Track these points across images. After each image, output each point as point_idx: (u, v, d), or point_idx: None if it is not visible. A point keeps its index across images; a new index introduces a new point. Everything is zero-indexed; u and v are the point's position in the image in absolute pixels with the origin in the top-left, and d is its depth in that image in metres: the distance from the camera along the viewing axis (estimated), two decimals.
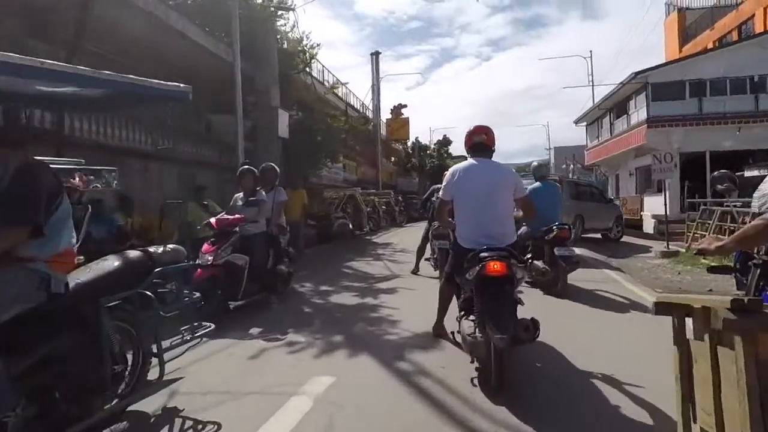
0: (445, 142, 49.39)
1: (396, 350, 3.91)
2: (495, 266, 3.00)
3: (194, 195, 8.81)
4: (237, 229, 5.11)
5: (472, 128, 3.75)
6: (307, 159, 14.87)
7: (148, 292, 2.54)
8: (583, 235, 12.18)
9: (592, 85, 28.14)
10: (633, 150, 20.91)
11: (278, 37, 14.81)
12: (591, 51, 28.89)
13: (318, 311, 5.33)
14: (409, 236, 16.28)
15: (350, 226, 14.45)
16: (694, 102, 17.88)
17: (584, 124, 30.03)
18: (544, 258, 6.22)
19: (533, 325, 3.02)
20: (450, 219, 3.87)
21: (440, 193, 3.80)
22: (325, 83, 19.23)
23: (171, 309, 2.85)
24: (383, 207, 21.23)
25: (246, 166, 5.65)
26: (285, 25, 15.32)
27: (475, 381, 3.17)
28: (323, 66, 22.04)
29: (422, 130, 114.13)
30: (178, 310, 2.91)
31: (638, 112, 20.86)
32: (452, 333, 3.98)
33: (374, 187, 26.92)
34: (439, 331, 4.15)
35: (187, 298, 2.94)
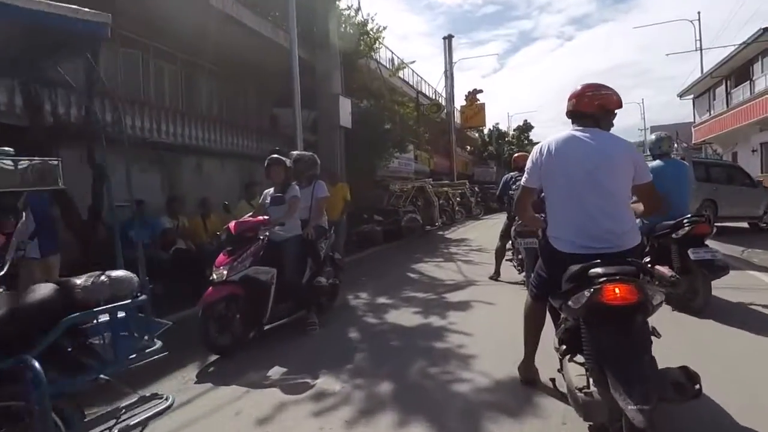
0: (526, 127, 46.42)
1: (466, 413, 2.67)
2: (617, 290, 1.92)
3: (244, 192, 8.13)
4: (267, 233, 4.11)
5: (578, 88, 2.57)
6: (372, 149, 13.85)
7: (34, 362, 1.53)
8: (715, 224, 10.08)
9: (701, 49, 24.21)
10: (757, 123, 17.65)
11: (341, 21, 13.91)
12: (699, 12, 24.83)
13: (367, 338, 4.17)
14: (486, 230, 14.72)
15: (420, 220, 13.20)
16: None
17: (690, 97, 26.20)
18: (671, 263, 4.58)
19: (689, 378, 1.94)
20: (537, 214, 2.75)
21: (523, 178, 2.62)
22: (392, 69, 18.05)
23: (109, 371, 1.85)
24: (458, 199, 19.72)
25: (273, 155, 4.54)
26: (349, 8, 14.43)
27: None
28: (392, 53, 20.95)
29: (501, 118, 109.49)
30: (113, 374, 1.91)
31: (766, 75, 17.48)
32: (552, 380, 2.65)
33: (449, 178, 25.49)
34: (528, 375, 2.95)
35: (133, 355, 1.91)
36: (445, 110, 28.63)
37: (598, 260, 2.07)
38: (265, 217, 4.20)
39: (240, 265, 3.80)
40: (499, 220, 7.94)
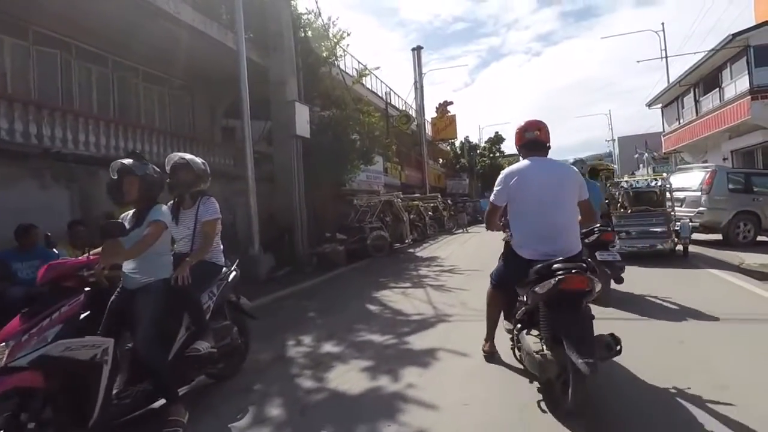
0: (497, 139, 46.19)
1: None
2: (575, 280, 2.55)
3: None
4: (119, 281, 2.82)
5: (522, 124, 3.24)
6: (336, 161, 12.70)
7: None
8: (758, 239, 9.83)
9: (666, 57, 24.37)
10: (727, 130, 17.46)
11: (301, 25, 12.85)
12: (663, 23, 24.98)
13: (293, 416, 2.88)
14: (459, 247, 13.71)
15: (388, 238, 12.09)
16: None
17: (659, 106, 26.19)
18: None
19: (614, 341, 2.57)
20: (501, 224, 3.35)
21: (492, 196, 3.17)
22: (355, 77, 17.01)
23: None
24: (430, 213, 18.74)
25: (120, 162, 2.95)
26: (309, 12, 13.39)
27: (543, 405, 2.71)
28: (359, 62, 20.01)
29: (472, 131, 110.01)
30: None
31: (735, 83, 17.29)
32: (512, 348, 3.12)
33: (421, 191, 24.61)
34: (490, 349, 3.64)
35: None
36: (416, 122, 27.87)
37: (561, 258, 2.71)
38: (92, 256, 2.73)
39: (35, 340, 2.25)
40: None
